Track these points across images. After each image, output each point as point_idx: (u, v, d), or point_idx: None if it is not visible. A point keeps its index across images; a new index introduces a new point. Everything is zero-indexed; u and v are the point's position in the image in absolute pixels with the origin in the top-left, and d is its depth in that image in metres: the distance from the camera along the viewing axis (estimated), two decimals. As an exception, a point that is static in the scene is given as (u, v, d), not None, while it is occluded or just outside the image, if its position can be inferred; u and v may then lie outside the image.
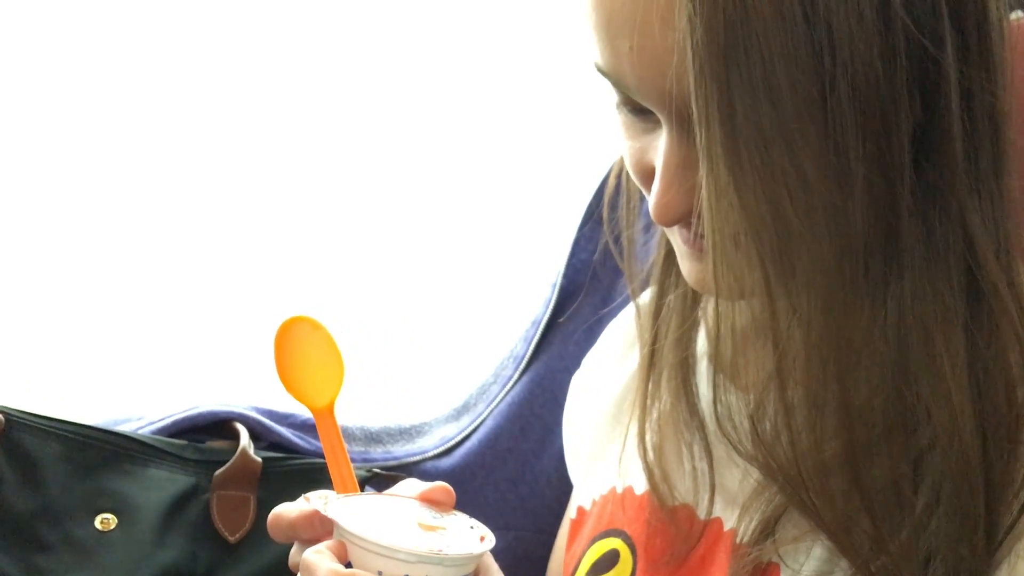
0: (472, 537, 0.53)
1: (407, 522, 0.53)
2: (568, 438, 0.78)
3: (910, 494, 0.47)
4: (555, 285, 0.89)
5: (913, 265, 0.44)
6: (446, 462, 0.87)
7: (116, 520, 0.69)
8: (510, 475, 0.86)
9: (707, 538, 0.59)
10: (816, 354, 0.45)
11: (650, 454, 0.62)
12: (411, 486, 0.58)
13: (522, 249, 1.10)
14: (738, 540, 0.56)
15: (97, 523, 0.68)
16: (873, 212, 0.44)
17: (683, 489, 0.61)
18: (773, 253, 0.43)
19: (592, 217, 0.88)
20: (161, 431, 0.78)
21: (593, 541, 0.66)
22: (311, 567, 0.49)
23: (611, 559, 0.63)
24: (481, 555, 0.53)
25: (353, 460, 0.87)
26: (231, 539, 0.73)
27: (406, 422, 0.91)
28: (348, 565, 0.50)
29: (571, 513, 0.72)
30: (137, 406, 0.82)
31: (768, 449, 0.49)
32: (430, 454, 0.88)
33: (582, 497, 0.71)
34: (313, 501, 0.54)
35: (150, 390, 0.97)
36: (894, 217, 0.44)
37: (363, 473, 0.80)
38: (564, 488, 0.80)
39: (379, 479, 0.82)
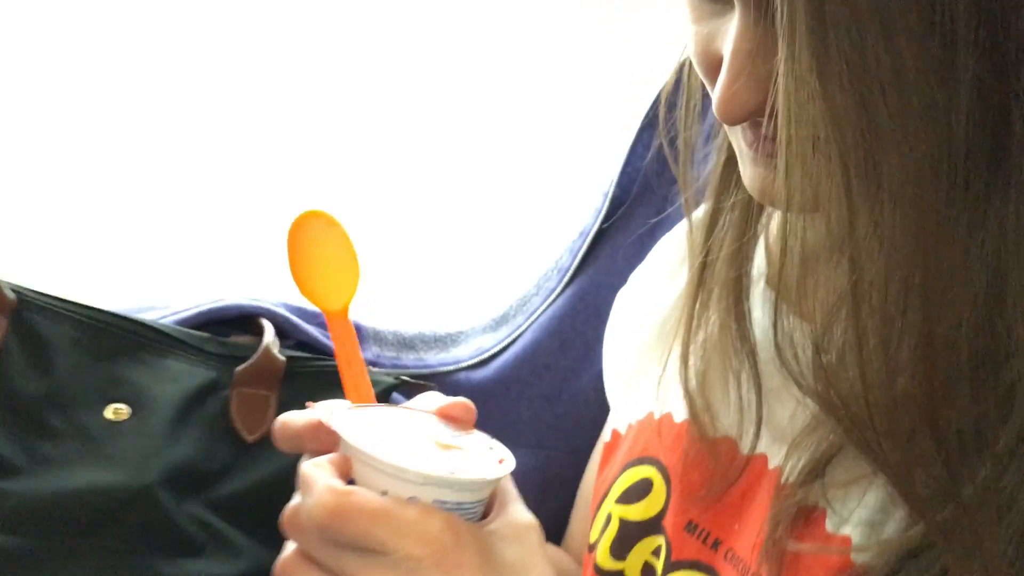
0: (490, 459, 0.49)
1: (420, 439, 0.49)
2: (608, 357, 0.73)
3: (991, 436, 0.41)
4: (606, 194, 0.83)
5: (1021, 182, 0.38)
6: (480, 374, 0.83)
7: (129, 410, 0.66)
8: (546, 392, 0.82)
9: (748, 474, 0.54)
10: (898, 277, 0.39)
11: (692, 380, 0.57)
12: (431, 400, 0.53)
13: (575, 153, 1.03)
14: (783, 479, 0.51)
15: (109, 412, 0.65)
16: (980, 115, 0.37)
17: (726, 421, 0.56)
18: (857, 157, 0.37)
19: (651, 123, 0.81)
20: (184, 322, 0.75)
21: (626, 467, 0.61)
22: (308, 481, 0.45)
23: (643, 488, 0.59)
24: (498, 480, 0.49)
25: (383, 366, 0.84)
26: (249, 438, 0.70)
27: (442, 330, 0.86)
28: (351, 482, 0.47)
29: (605, 436, 0.67)
30: (162, 295, 0.79)
31: (832, 381, 0.44)
32: (464, 364, 0.84)
33: (618, 420, 0.66)
34: (319, 410, 0.50)
35: (176, 280, 0.94)
36: (1004, 123, 0.37)
37: (390, 380, 0.77)
38: (602, 409, 0.76)
39: (407, 387, 0.78)
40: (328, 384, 0.75)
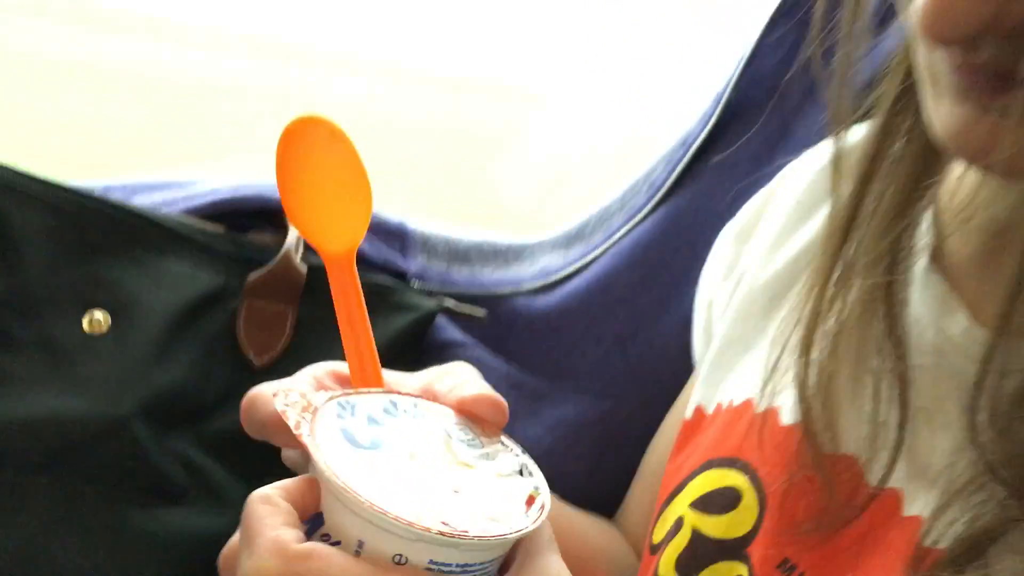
0: (518, 495, 0.37)
1: (427, 456, 0.36)
2: (701, 306, 0.59)
3: None
4: (720, 97, 0.67)
5: None
6: (542, 301, 0.69)
7: (109, 320, 0.54)
8: (619, 331, 0.68)
9: (874, 513, 0.40)
10: None
11: (812, 378, 0.42)
12: (456, 381, 0.40)
13: (684, 34, 0.86)
14: (927, 540, 0.37)
15: (85, 322, 0.54)
16: None
17: (852, 436, 0.42)
18: None
19: (788, 13, 0.64)
20: (195, 211, 0.62)
21: (709, 464, 0.48)
22: (251, 529, 0.33)
23: (728, 499, 0.46)
24: (526, 535, 0.36)
25: (428, 280, 0.71)
26: (257, 362, 0.58)
27: (502, 241, 0.73)
28: (317, 519, 0.34)
29: (686, 410, 0.54)
30: (191, 171, 0.67)
31: (1001, 422, 0.30)
32: (525, 287, 0.70)
33: (705, 396, 0.52)
34: (286, 401, 0.37)
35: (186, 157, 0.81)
36: None
37: (432, 305, 0.64)
38: (684, 364, 0.62)
39: (451, 316, 0.65)
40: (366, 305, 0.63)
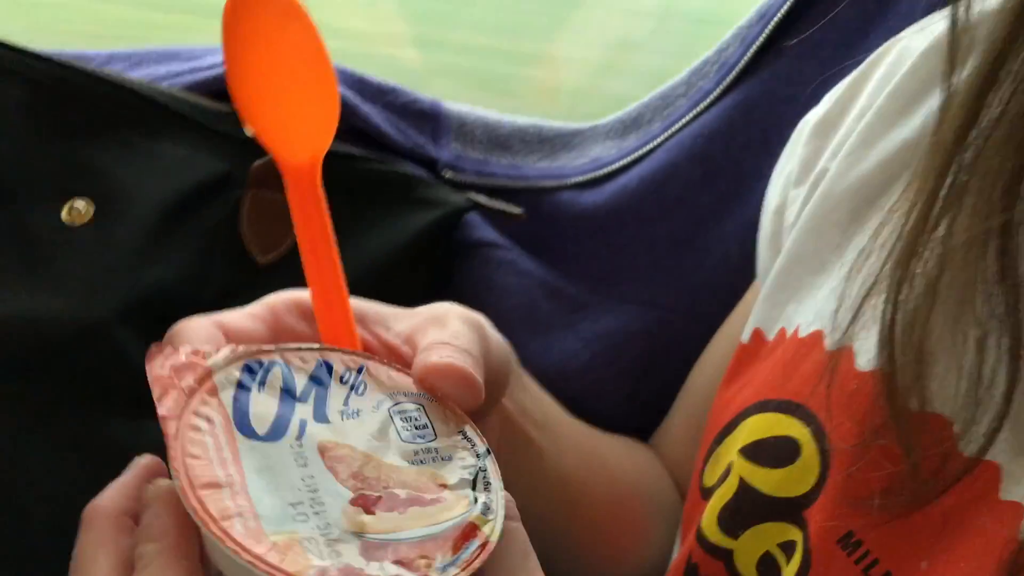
0: (450, 527, 0.28)
1: (340, 457, 0.29)
2: (769, 211, 0.51)
3: None
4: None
5: None
6: (590, 196, 0.62)
7: (92, 210, 0.48)
8: (674, 233, 0.60)
9: (965, 489, 0.33)
10: None
11: (902, 316, 0.34)
12: (443, 334, 0.33)
13: None
14: None
15: (64, 212, 0.48)
16: None
17: (946, 395, 0.34)
18: None
19: None
20: (199, 85, 0.55)
21: (763, 407, 0.41)
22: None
23: (784, 451, 0.39)
24: None
25: (463, 171, 0.63)
26: (260, 260, 0.52)
27: (549, 127, 0.65)
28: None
29: (743, 331, 0.46)
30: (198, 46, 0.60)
31: None
32: (571, 180, 0.62)
33: (767, 318, 0.45)
34: (174, 361, 0.30)
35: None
36: None
37: (461, 202, 0.57)
38: (746, 276, 0.55)
39: (483, 213, 0.58)
40: (380, 196, 0.56)
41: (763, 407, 0.41)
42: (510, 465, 0.40)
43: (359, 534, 0.27)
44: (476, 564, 0.27)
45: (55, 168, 0.48)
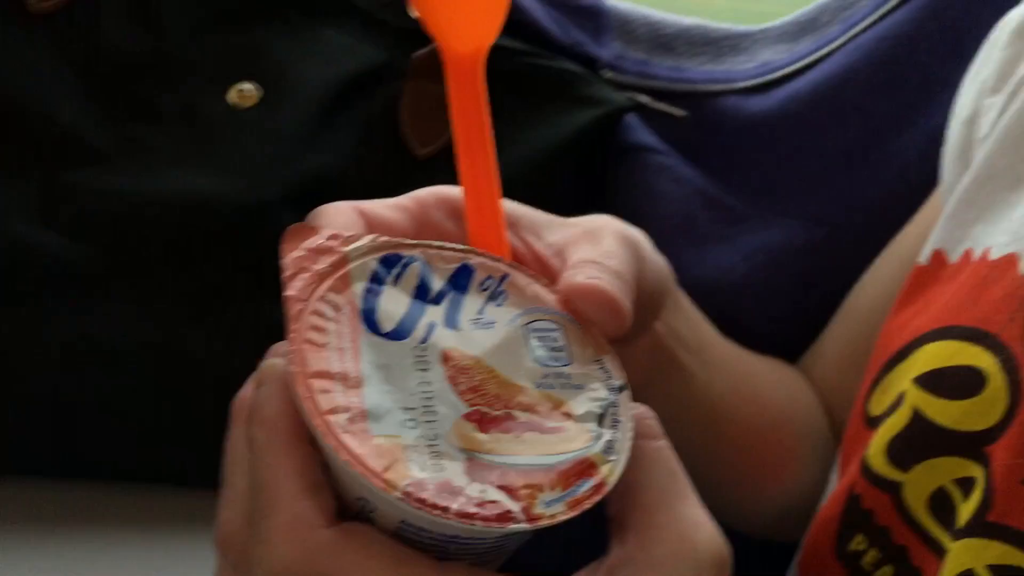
0: (566, 458, 0.26)
1: (463, 367, 0.28)
2: (959, 122, 0.47)
3: None
4: None
5: None
6: (758, 103, 0.58)
7: (259, 94, 0.49)
8: (848, 143, 0.57)
9: None
10: None
11: None
12: (596, 251, 0.31)
13: None
14: None
15: (232, 94, 0.48)
16: None
17: None
18: None
19: None
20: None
21: (945, 333, 0.38)
22: (262, 499, 0.26)
23: (967, 382, 0.36)
24: (521, 533, 0.26)
25: (624, 71, 0.61)
26: (419, 152, 0.52)
27: (716, 28, 0.61)
28: None
29: (919, 253, 0.43)
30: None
31: None
32: (738, 84, 0.59)
33: (950, 238, 0.42)
34: (311, 244, 0.29)
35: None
36: None
37: (622, 100, 0.55)
38: (924, 191, 0.51)
39: (644, 114, 0.56)
40: (540, 91, 0.54)
41: (944, 334, 0.38)
42: (657, 388, 0.38)
43: (467, 451, 0.26)
44: (585, 505, 0.26)
45: (223, 51, 0.49)
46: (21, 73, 0.46)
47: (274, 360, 0.28)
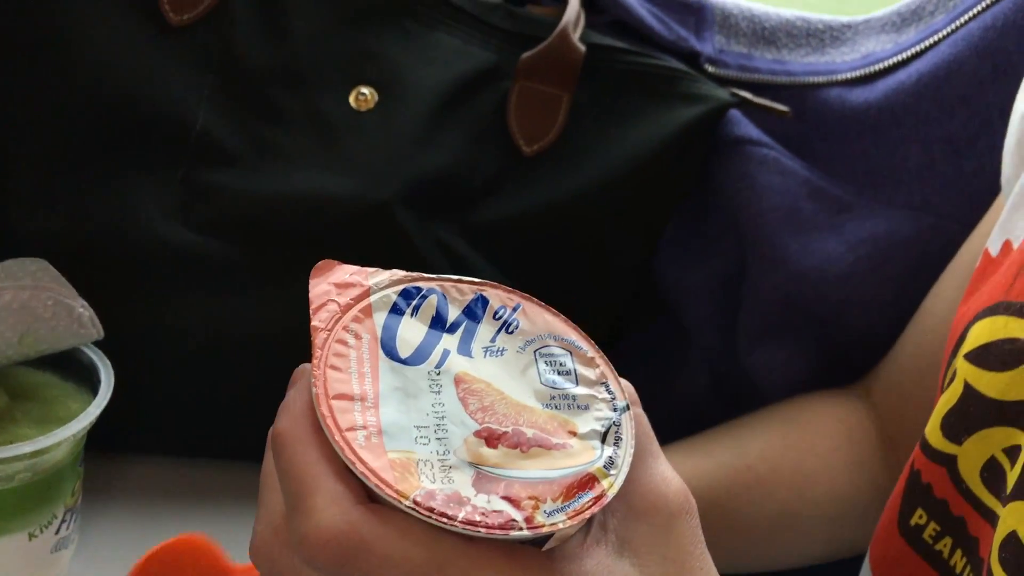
0: (568, 473, 0.28)
1: (473, 389, 0.29)
2: (1020, 114, 0.47)
3: None
4: None
5: None
6: (862, 94, 0.59)
7: (376, 96, 0.51)
8: (955, 134, 0.56)
9: None
10: None
11: None
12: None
13: None
14: None
15: (352, 98, 0.51)
16: None
17: None
18: None
19: None
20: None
21: (994, 310, 0.38)
22: (298, 485, 0.28)
23: (1013, 353, 0.37)
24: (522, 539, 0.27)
25: (725, 65, 0.61)
26: (527, 150, 0.54)
27: (817, 19, 0.62)
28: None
29: (992, 243, 0.43)
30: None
31: None
32: (841, 76, 0.59)
33: (1014, 228, 0.42)
34: (341, 277, 0.31)
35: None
36: None
37: (726, 97, 0.55)
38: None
39: (745, 109, 0.57)
40: (642, 92, 0.56)
41: (993, 310, 0.38)
42: None
43: (476, 465, 0.28)
44: (585, 515, 0.27)
45: (343, 56, 0.51)
46: (162, 81, 0.49)
47: (306, 364, 0.30)
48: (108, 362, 0.44)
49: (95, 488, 0.48)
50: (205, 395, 0.51)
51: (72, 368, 0.45)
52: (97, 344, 0.45)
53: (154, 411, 0.51)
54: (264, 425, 0.38)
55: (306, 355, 0.31)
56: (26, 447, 0.40)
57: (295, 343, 0.49)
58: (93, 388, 0.44)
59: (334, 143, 0.50)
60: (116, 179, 0.49)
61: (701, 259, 0.58)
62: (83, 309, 0.44)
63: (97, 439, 0.45)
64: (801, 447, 0.53)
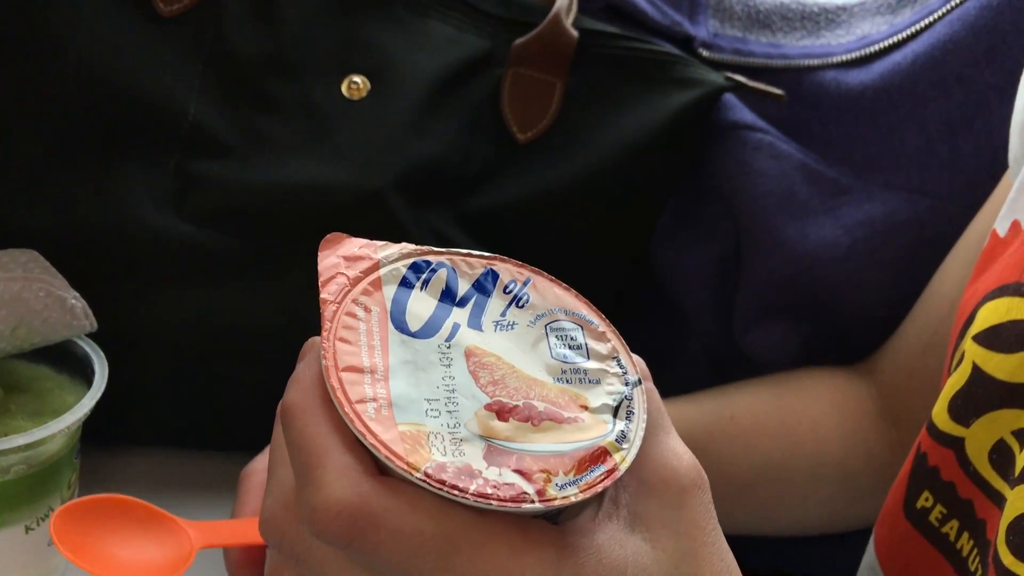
0: (580, 446, 0.28)
1: (484, 362, 0.29)
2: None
3: None
4: None
5: None
6: (857, 76, 0.58)
7: (368, 85, 0.51)
8: (951, 115, 0.56)
9: None
10: None
11: None
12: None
13: None
14: None
15: (344, 86, 0.51)
16: None
17: None
18: None
19: None
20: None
21: (1002, 291, 0.38)
22: (308, 456, 0.28)
23: (1022, 335, 0.36)
24: (557, 509, 0.27)
25: (720, 49, 0.61)
26: (520, 137, 0.53)
27: (812, 2, 0.61)
28: None
29: (1000, 223, 0.43)
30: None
31: None
32: (837, 58, 0.59)
33: (1022, 209, 0.41)
34: (352, 250, 0.31)
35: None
36: None
37: (720, 81, 0.55)
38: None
39: (739, 94, 0.56)
40: (635, 75, 0.55)
41: (1002, 292, 0.38)
42: None
43: (487, 438, 0.28)
44: (597, 488, 0.27)
45: (335, 44, 0.51)
46: (152, 71, 0.49)
47: (316, 337, 0.30)
48: (102, 354, 0.44)
49: (91, 480, 0.48)
50: (200, 386, 0.51)
51: (66, 360, 0.45)
52: (91, 336, 0.45)
53: (149, 402, 0.51)
54: (260, 415, 0.38)
55: (300, 345, 0.31)
56: (20, 439, 0.40)
57: (289, 332, 0.49)
58: (87, 380, 0.43)
59: (327, 132, 0.50)
60: (108, 170, 0.49)
61: (698, 244, 0.58)
62: (75, 301, 0.44)
63: (93, 431, 0.45)
64: (790, 408, 0.53)
